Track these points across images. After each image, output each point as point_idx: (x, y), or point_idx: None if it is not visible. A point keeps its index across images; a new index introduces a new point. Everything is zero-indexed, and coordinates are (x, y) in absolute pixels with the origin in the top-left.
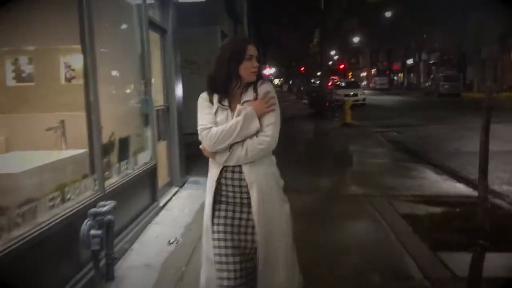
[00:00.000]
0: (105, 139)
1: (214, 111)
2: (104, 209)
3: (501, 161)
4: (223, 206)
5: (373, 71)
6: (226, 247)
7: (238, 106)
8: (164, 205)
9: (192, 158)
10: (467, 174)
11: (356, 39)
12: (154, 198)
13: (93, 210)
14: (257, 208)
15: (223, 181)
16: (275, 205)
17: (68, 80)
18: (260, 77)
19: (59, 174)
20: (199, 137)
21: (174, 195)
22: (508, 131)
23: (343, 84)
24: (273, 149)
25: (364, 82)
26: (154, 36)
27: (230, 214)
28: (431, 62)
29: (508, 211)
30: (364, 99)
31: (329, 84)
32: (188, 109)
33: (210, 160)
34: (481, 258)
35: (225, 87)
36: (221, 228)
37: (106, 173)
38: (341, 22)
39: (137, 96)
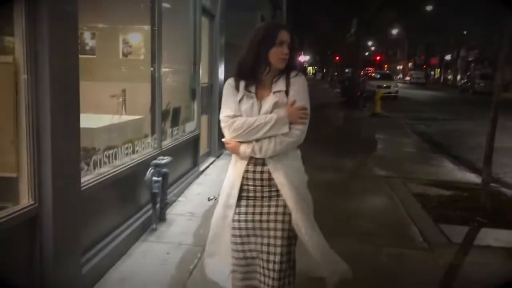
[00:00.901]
0: (163, 107)
1: (239, 98)
2: (163, 161)
3: None
4: (244, 202)
5: (410, 64)
6: (242, 243)
7: (272, 97)
8: (203, 170)
9: None
10: (481, 165)
11: (394, 31)
12: (195, 163)
13: (155, 161)
14: (287, 194)
15: (244, 174)
16: (306, 195)
17: (125, 55)
18: (293, 66)
19: (127, 132)
20: (222, 125)
21: (211, 163)
22: None
23: (377, 75)
24: (300, 143)
25: (400, 75)
26: (204, 20)
27: (250, 209)
28: (470, 59)
29: (505, 194)
30: (396, 92)
31: (362, 74)
32: None
33: (232, 161)
34: (476, 231)
35: (253, 72)
36: (243, 224)
37: (162, 135)
38: (379, 13)
39: (188, 73)
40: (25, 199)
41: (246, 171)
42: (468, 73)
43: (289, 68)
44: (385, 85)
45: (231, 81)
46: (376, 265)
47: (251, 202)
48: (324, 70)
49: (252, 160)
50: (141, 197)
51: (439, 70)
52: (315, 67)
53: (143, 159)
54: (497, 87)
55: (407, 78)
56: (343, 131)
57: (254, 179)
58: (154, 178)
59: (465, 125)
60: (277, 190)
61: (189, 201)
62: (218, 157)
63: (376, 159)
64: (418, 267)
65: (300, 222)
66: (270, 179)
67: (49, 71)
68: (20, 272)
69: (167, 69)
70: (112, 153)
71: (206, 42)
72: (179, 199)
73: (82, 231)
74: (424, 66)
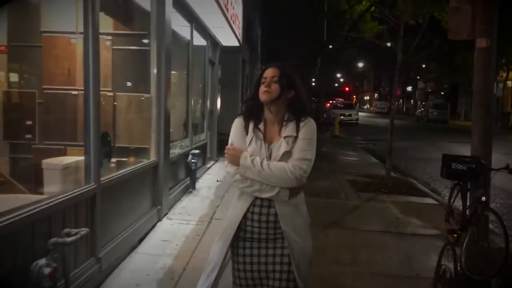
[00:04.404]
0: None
1: (248, 140)
2: (196, 151)
3: (430, 163)
4: (248, 244)
5: (375, 95)
6: (247, 285)
7: (283, 143)
8: (209, 167)
9: (221, 149)
10: (403, 168)
11: (360, 65)
12: (204, 162)
13: (192, 151)
14: (292, 244)
15: (249, 215)
16: (306, 240)
17: None
18: (303, 111)
19: (174, 135)
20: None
21: (213, 164)
22: (455, 147)
23: (340, 105)
24: (299, 185)
25: (367, 105)
26: (208, 66)
27: (255, 251)
28: (428, 90)
29: (406, 180)
30: (357, 119)
31: (328, 104)
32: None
33: (237, 193)
34: (377, 194)
35: (258, 113)
36: (247, 266)
37: (191, 139)
38: (340, 52)
39: (201, 101)
40: (153, 157)
41: (252, 212)
42: (424, 103)
43: (296, 110)
44: (347, 113)
45: (240, 121)
46: (319, 205)
47: (255, 244)
48: None
49: (258, 200)
50: (183, 172)
51: (401, 100)
52: None
53: (185, 150)
54: (392, 110)
55: (373, 108)
56: None
57: (259, 221)
58: (193, 160)
59: (407, 144)
60: (282, 233)
61: (206, 181)
62: (216, 161)
63: (328, 163)
64: (339, 206)
65: (302, 271)
66: (276, 221)
67: (163, 103)
68: (150, 190)
69: (193, 99)
70: (173, 144)
71: (210, 80)
72: (199, 180)
73: (167, 180)
74: (388, 97)
